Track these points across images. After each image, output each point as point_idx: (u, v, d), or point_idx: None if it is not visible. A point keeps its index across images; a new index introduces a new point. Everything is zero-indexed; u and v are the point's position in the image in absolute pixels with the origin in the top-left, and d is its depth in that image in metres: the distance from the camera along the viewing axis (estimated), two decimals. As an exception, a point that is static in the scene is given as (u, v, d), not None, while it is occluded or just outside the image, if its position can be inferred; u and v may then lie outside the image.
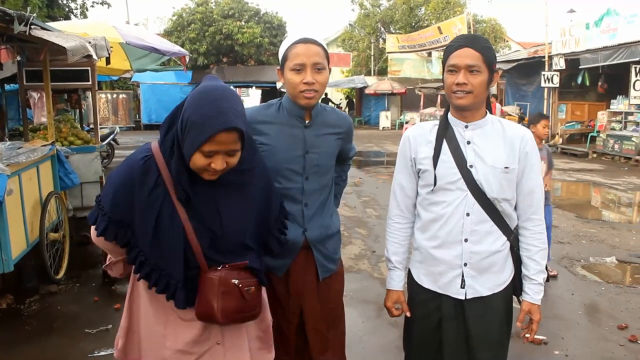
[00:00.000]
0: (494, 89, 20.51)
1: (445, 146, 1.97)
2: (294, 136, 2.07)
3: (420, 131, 2.07)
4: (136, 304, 1.82)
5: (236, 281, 1.67)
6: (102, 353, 3.47)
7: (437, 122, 2.05)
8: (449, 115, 2.01)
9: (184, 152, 1.59)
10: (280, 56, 2.05)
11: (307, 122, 2.10)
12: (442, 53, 2.04)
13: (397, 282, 2.17)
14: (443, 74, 1.97)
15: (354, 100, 29.09)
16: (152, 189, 1.63)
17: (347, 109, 27.47)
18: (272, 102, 2.16)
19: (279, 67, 2.08)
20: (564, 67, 15.38)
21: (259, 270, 1.77)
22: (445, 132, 1.99)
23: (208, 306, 1.63)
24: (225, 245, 1.70)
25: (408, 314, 2.14)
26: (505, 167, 1.92)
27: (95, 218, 1.70)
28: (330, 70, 2.08)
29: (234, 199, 1.71)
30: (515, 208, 2.02)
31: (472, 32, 17.36)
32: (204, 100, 1.57)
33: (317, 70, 1.98)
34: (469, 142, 1.96)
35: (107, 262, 1.90)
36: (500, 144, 1.95)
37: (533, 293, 2.01)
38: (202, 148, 1.54)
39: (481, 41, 1.92)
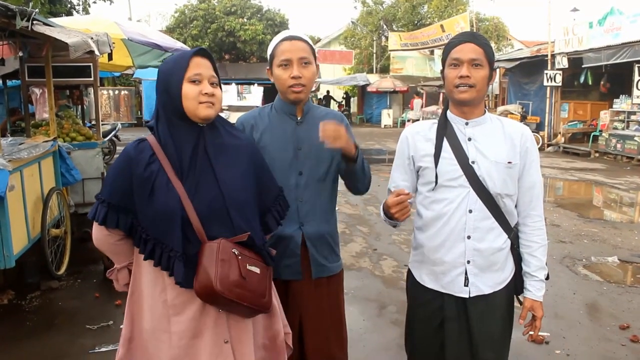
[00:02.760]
0: (496, 88, 20.51)
1: (445, 143, 1.97)
2: (286, 132, 2.11)
3: (419, 129, 2.08)
4: (135, 308, 1.78)
5: (236, 251, 1.67)
6: (102, 349, 3.47)
7: (436, 120, 2.05)
8: (448, 112, 2.01)
9: (173, 102, 1.69)
10: (268, 56, 2.13)
11: (298, 118, 2.13)
12: (444, 51, 2.03)
13: None
14: (443, 71, 1.97)
15: (353, 98, 29.06)
16: (147, 165, 1.69)
17: (345, 107, 27.43)
18: (265, 106, 2.24)
19: (268, 67, 2.14)
20: (566, 66, 15.34)
21: (262, 249, 1.78)
22: (445, 130, 1.98)
23: (206, 274, 1.61)
24: (225, 216, 1.70)
25: (407, 192, 1.88)
26: (509, 162, 1.93)
27: (94, 210, 1.72)
28: (317, 66, 2.14)
29: (231, 168, 1.75)
30: (515, 205, 2.01)
31: (474, 31, 17.33)
32: (168, 59, 1.79)
33: (303, 65, 2.05)
34: (470, 139, 1.96)
35: (110, 271, 1.87)
36: (501, 140, 1.96)
37: (535, 290, 2.01)
38: (187, 75, 1.68)
39: (482, 38, 1.94)
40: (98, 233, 1.75)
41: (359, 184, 2.18)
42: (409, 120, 22.11)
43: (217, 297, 1.61)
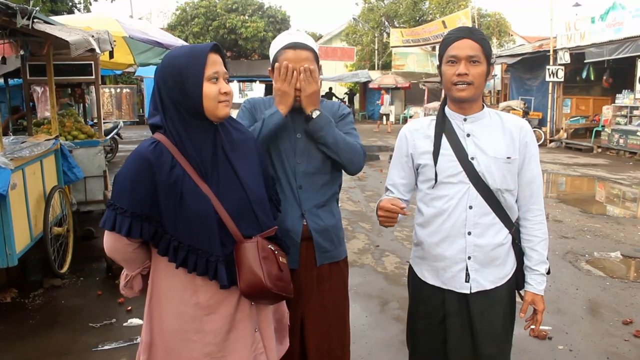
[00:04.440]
0: (498, 84, 20.45)
1: (444, 140, 1.96)
2: (286, 121, 2.12)
3: (417, 126, 2.08)
4: (157, 313, 1.74)
5: (272, 247, 1.69)
6: (105, 347, 3.48)
7: (435, 116, 2.04)
8: (447, 109, 2.01)
9: (191, 101, 1.62)
10: (271, 55, 2.12)
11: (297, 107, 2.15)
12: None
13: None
14: (440, 67, 1.96)
15: (356, 95, 29.05)
16: (170, 170, 1.61)
17: (348, 105, 27.41)
18: (270, 96, 2.24)
19: (270, 68, 2.14)
20: (568, 61, 15.30)
21: (282, 240, 1.81)
22: (443, 126, 1.98)
23: (253, 274, 1.60)
24: (251, 213, 1.70)
25: (403, 206, 1.89)
26: (508, 157, 1.92)
27: (113, 221, 1.60)
28: (320, 67, 2.16)
29: (245, 164, 1.74)
30: (516, 200, 2.01)
31: (476, 27, 17.28)
32: (176, 54, 1.67)
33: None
34: (468, 135, 1.95)
35: (125, 281, 1.80)
36: (500, 136, 1.96)
37: (536, 283, 2.01)
38: (206, 72, 1.61)
39: (479, 33, 1.92)
40: (116, 243, 1.65)
41: (336, 155, 2.08)
42: (410, 117, 22.05)
43: (266, 293, 1.62)
